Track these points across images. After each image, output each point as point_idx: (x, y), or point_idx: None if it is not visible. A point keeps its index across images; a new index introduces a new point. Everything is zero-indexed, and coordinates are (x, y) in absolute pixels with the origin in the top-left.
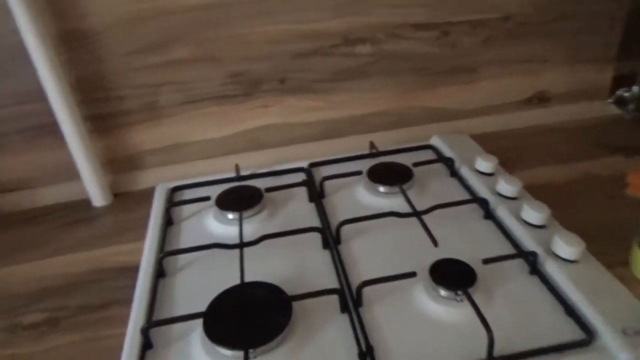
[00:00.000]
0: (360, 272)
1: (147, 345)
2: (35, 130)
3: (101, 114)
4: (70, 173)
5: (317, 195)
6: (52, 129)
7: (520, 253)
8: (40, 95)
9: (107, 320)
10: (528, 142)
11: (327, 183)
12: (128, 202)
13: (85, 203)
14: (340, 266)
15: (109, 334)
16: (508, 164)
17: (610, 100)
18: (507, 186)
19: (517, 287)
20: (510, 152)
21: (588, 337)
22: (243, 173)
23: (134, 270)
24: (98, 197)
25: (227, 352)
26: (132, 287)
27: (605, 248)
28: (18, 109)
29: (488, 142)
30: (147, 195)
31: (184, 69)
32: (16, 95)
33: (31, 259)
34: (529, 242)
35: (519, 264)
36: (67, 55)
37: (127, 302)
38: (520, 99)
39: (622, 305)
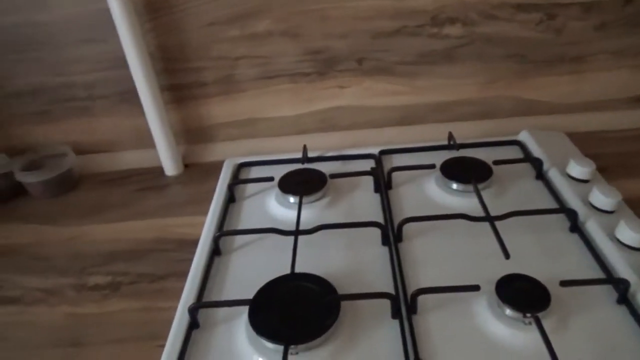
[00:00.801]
0: (418, 276)
1: (193, 324)
2: (119, 96)
3: (179, 85)
4: (147, 140)
5: (383, 186)
6: (134, 96)
7: (609, 278)
8: (124, 62)
9: (164, 292)
10: (637, 147)
11: (396, 174)
12: (198, 173)
13: (158, 171)
14: (397, 267)
15: (162, 306)
16: (608, 171)
17: None
18: (602, 197)
19: (599, 317)
20: (612, 157)
21: None
22: (311, 155)
23: (194, 244)
24: (170, 167)
25: (268, 344)
26: (191, 261)
27: None
28: (105, 74)
29: (587, 143)
30: (216, 168)
31: (262, 44)
32: (104, 61)
33: (106, 220)
34: (621, 266)
35: (605, 290)
36: (150, 24)
37: (184, 275)
38: (634, 96)
39: None
